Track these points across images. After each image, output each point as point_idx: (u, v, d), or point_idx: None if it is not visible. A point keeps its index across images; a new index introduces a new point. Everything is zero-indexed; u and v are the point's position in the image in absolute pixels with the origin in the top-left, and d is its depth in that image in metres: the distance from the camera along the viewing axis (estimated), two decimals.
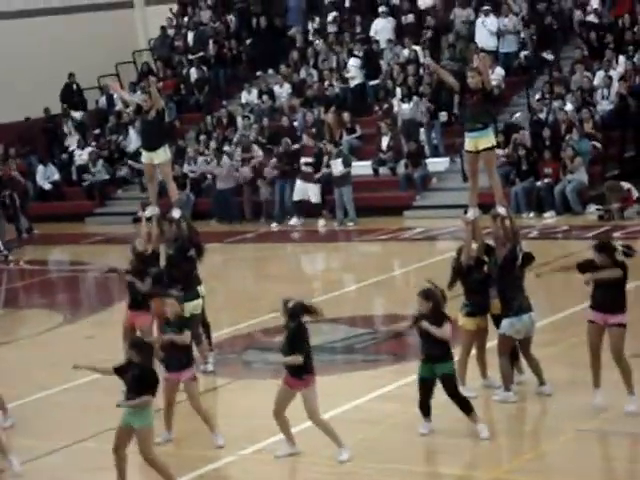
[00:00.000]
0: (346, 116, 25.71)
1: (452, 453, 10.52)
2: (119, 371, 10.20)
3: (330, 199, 24.21)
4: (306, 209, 24.43)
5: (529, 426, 11.04)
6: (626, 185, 21.69)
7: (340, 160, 23.83)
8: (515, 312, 11.46)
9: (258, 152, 25.62)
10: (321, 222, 24.14)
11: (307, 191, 24.33)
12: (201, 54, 30.54)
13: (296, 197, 24.43)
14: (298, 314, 10.50)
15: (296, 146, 25.15)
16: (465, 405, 10.75)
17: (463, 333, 11.94)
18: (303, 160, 24.57)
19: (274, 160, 25.03)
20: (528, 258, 11.75)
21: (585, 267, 11.20)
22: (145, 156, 14.22)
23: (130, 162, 27.71)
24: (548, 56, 25.55)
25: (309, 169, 24.43)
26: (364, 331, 15.09)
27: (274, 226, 24.48)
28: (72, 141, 29.49)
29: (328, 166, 24.13)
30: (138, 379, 9.89)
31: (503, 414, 11.55)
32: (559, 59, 25.87)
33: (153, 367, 10.18)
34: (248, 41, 30.26)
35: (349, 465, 10.51)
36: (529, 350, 11.61)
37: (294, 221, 24.44)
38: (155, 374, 10.11)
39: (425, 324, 10.68)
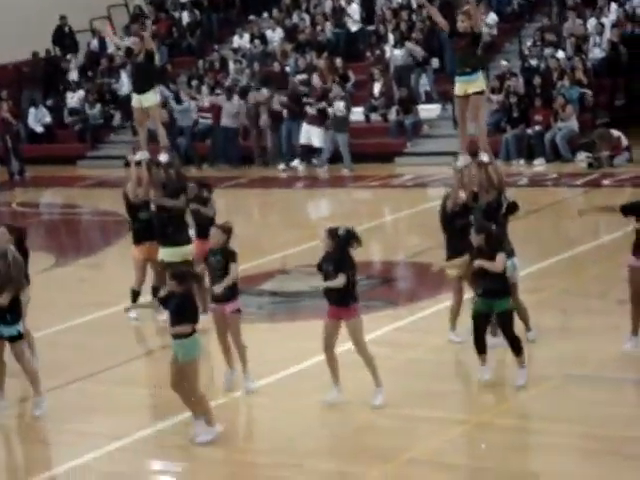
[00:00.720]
0: (338, 62, 25.67)
1: (441, 397, 10.69)
2: (163, 302, 10.22)
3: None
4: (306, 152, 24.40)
5: (511, 376, 11.21)
6: (616, 133, 21.78)
7: (343, 103, 23.80)
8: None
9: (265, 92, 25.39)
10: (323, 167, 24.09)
11: (312, 134, 24.24)
12: None
13: (302, 140, 24.36)
14: (348, 241, 10.47)
15: (303, 88, 25.06)
16: (516, 345, 10.68)
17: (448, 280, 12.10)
18: (309, 101, 24.24)
19: (283, 99, 24.80)
20: (513, 207, 11.81)
21: (629, 210, 11.22)
22: (135, 99, 14.25)
23: None
24: None
25: (315, 112, 24.29)
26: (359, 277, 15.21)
27: (281, 167, 24.43)
28: (71, 83, 29.25)
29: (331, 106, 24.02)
30: (178, 309, 9.90)
31: (491, 360, 11.73)
32: (551, 6, 25.83)
33: (193, 297, 10.17)
34: None
35: (340, 407, 10.70)
36: (516, 296, 11.75)
37: (296, 163, 24.41)
38: (195, 304, 10.11)
39: (478, 262, 10.61)
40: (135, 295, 13.78)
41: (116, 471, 9.88)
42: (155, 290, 13.55)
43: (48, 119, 28.76)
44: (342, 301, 10.42)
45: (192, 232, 13.65)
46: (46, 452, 10.50)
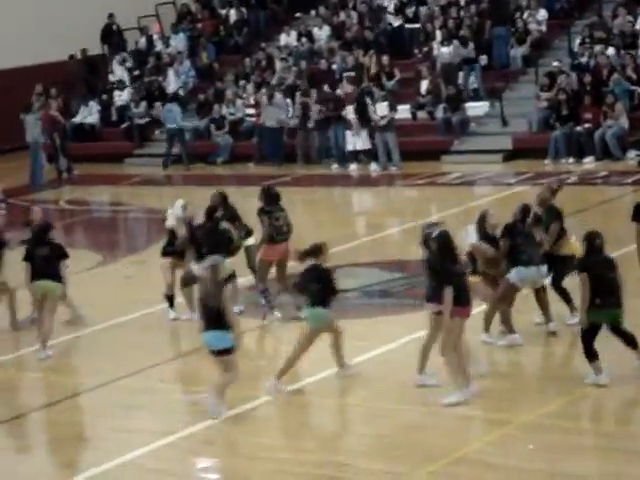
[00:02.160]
0: (385, 59, 25.56)
1: (483, 396, 10.59)
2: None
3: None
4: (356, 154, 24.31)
5: (564, 371, 11.08)
6: None
7: (385, 104, 23.67)
8: (524, 263, 11.65)
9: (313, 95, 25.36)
10: (373, 166, 23.95)
11: (356, 139, 24.16)
12: None
13: (350, 147, 24.29)
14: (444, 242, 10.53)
15: (339, 92, 24.98)
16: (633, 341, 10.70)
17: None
18: (348, 109, 24.26)
19: (317, 106, 24.77)
20: (537, 219, 12.03)
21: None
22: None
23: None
24: None
25: (353, 117, 24.19)
26: (400, 275, 15.14)
27: (335, 167, 24.39)
28: (118, 81, 29.36)
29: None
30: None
31: (537, 358, 11.63)
32: (601, 2, 25.57)
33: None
34: None
35: (385, 406, 10.64)
36: (540, 294, 11.96)
37: (352, 167, 24.29)
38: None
39: None
40: (170, 299, 13.81)
41: (162, 468, 9.89)
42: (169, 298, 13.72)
43: (96, 117, 28.91)
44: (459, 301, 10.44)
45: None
46: (93, 449, 10.52)
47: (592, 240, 10.79)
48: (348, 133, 24.16)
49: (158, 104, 27.26)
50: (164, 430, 10.62)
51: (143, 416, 11.13)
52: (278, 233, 13.27)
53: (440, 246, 10.53)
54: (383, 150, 23.68)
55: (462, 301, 10.40)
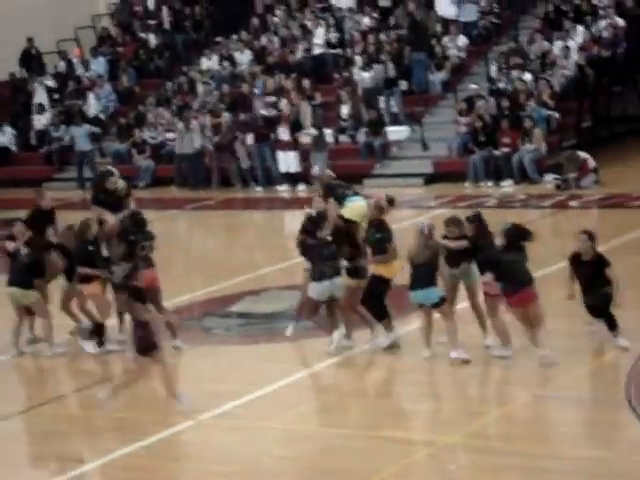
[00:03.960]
0: (306, 83, 25.69)
1: (410, 417, 10.64)
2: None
3: (307, 165, 24.00)
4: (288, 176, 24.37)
5: (484, 391, 11.18)
6: (583, 155, 21.90)
7: (309, 123, 23.87)
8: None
9: (226, 117, 25.46)
10: (300, 187, 24.05)
11: (289, 160, 24.24)
12: (162, 19, 30.35)
13: (283, 168, 24.37)
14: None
15: (273, 112, 25.04)
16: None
17: None
18: (281, 129, 24.36)
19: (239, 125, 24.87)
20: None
21: None
22: None
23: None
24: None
25: (286, 137, 24.28)
26: None
27: (259, 190, 24.38)
28: (37, 105, 29.04)
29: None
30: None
31: (458, 379, 11.71)
32: (518, 29, 26.00)
33: None
34: (206, 7, 30.13)
35: (307, 429, 10.64)
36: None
37: (282, 189, 24.33)
38: None
39: None
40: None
41: None
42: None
43: (11, 141, 28.56)
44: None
45: None
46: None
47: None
48: (280, 154, 24.22)
49: (74, 127, 27.03)
50: (84, 457, 10.48)
51: (59, 443, 10.96)
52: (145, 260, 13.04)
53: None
54: (319, 170, 23.79)
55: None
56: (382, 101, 25.15)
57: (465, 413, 10.75)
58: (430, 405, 11.04)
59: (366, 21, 27.13)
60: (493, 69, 24.79)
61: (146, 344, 10.88)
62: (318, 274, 12.28)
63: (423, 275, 11.76)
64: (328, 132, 24.93)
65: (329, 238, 12.46)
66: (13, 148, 28.67)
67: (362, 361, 12.35)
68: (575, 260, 11.56)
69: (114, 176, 13.86)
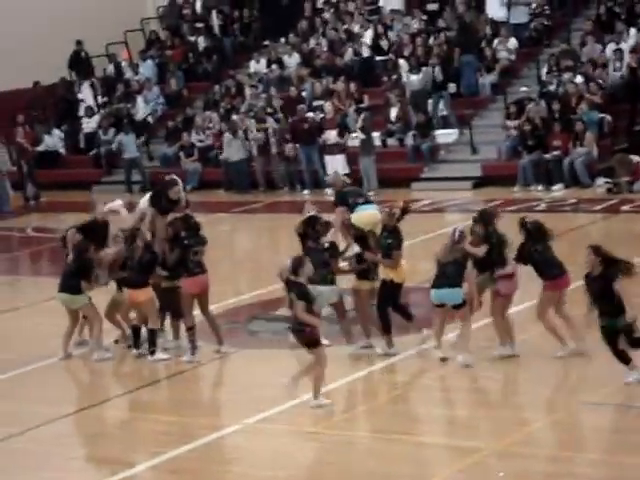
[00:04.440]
0: (354, 87, 25.60)
1: (454, 424, 10.53)
2: None
3: (355, 169, 23.91)
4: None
5: (532, 398, 11.03)
6: (635, 158, 21.62)
7: (358, 126, 23.78)
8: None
9: (272, 122, 25.44)
10: None
11: (336, 163, 24.17)
12: (211, 22, 30.43)
13: (330, 172, 24.23)
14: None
15: (321, 115, 25.00)
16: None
17: None
18: (327, 134, 24.27)
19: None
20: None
21: None
22: None
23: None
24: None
25: (333, 141, 24.21)
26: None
27: (306, 193, 24.33)
28: (86, 108, 29.22)
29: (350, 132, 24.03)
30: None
31: (506, 386, 11.57)
32: (570, 31, 25.74)
33: None
34: (255, 10, 30.17)
35: (353, 434, 10.55)
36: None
37: (330, 191, 24.15)
38: None
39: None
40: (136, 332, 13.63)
41: None
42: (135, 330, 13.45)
43: (60, 144, 28.77)
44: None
45: None
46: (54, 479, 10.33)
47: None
48: (327, 158, 24.16)
49: (122, 135, 27.14)
50: (131, 460, 10.47)
51: (110, 446, 10.98)
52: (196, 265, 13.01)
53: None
54: (364, 174, 23.74)
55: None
56: (431, 104, 25.01)
57: (512, 420, 10.61)
58: (476, 412, 10.89)
59: (414, 24, 26.99)
60: (544, 71, 24.55)
61: (312, 338, 10.91)
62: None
63: (450, 274, 11.75)
64: (376, 135, 24.82)
65: (326, 245, 12.45)
66: (62, 151, 28.85)
67: (406, 367, 12.23)
68: (586, 276, 11.13)
69: (178, 185, 13.88)
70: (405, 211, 12.67)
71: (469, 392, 11.35)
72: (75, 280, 13.38)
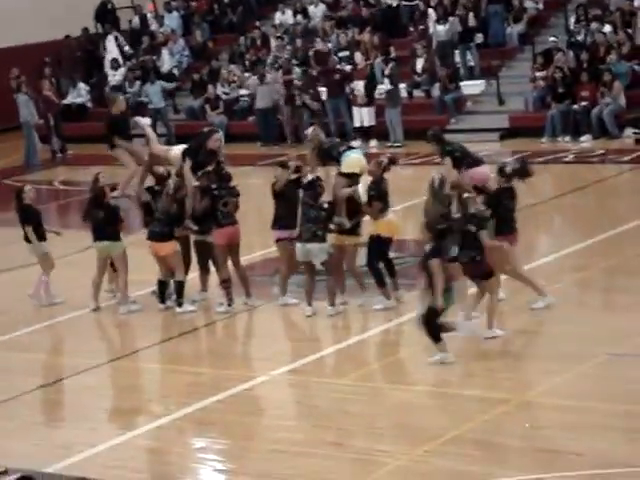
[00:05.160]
0: (380, 37, 25.40)
1: (482, 376, 10.55)
2: None
3: (381, 121, 23.82)
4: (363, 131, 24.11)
5: (561, 349, 11.04)
6: None
7: (387, 78, 23.65)
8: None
9: (298, 73, 25.30)
10: (372, 143, 23.88)
11: (363, 115, 24.08)
12: None
13: (357, 123, 24.18)
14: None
15: (347, 67, 24.85)
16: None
17: None
18: (356, 83, 24.16)
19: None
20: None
21: None
22: None
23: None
24: None
25: (361, 92, 24.10)
26: (396, 255, 15.06)
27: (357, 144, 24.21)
28: (112, 60, 29.15)
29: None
30: None
31: (533, 338, 11.57)
32: None
33: None
34: None
35: (378, 386, 10.60)
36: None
37: (357, 143, 24.06)
38: None
39: None
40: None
41: (158, 448, 9.86)
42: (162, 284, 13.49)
43: (85, 98, 28.75)
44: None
45: None
46: (89, 429, 10.45)
47: None
48: (355, 109, 24.05)
49: (148, 85, 27.09)
50: (159, 411, 10.58)
51: (138, 397, 11.09)
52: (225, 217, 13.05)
53: None
54: (390, 125, 23.63)
55: None
56: (457, 55, 24.81)
57: (540, 371, 10.63)
58: (504, 363, 10.91)
59: None
60: (572, 21, 24.27)
61: (485, 270, 11.17)
62: (298, 234, 12.48)
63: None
64: (402, 87, 24.65)
65: (325, 205, 12.47)
66: (89, 105, 28.84)
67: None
68: None
69: (218, 133, 13.86)
70: (392, 161, 12.68)
71: (495, 343, 11.35)
72: (114, 227, 13.40)
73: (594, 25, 23.47)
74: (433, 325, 10.67)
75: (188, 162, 13.31)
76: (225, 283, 13.12)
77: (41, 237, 14.19)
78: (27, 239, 14.20)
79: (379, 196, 12.40)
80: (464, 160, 12.27)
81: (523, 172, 11.82)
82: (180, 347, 12.41)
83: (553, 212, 16.85)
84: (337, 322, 12.49)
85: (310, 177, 12.66)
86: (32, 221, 14.17)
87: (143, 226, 13.88)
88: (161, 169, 13.79)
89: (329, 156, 12.86)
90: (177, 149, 13.88)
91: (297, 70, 25.28)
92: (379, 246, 12.51)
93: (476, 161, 12.34)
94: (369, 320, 12.44)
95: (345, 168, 12.61)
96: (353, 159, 12.70)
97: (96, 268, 13.62)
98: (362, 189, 12.55)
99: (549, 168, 19.99)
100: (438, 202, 11.24)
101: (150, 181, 14.04)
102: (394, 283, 12.71)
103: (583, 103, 22.28)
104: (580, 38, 23.61)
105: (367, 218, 12.67)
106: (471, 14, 24.79)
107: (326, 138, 13.63)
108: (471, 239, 11.20)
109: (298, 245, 12.48)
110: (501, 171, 11.82)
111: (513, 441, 9.23)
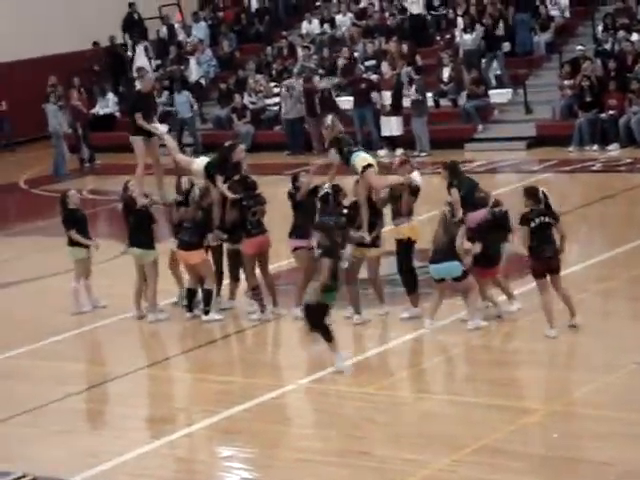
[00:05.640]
0: (407, 46, 25.41)
1: (508, 385, 10.53)
2: None
3: (409, 130, 23.81)
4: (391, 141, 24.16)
5: (588, 359, 11.00)
6: None
7: (414, 88, 23.69)
8: None
9: (320, 82, 25.38)
10: (398, 152, 23.86)
11: (391, 124, 24.11)
12: None
13: (384, 133, 24.20)
14: None
15: (374, 76, 24.90)
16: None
17: None
18: (383, 93, 24.22)
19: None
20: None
21: None
22: None
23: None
24: None
25: (388, 101, 24.13)
26: (421, 264, 15.05)
27: (382, 153, 24.23)
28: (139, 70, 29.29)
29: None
30: None
31: (561, 347, 11.54)
32: None
33: None
34: None
35: (405, 395, 10.60)
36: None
37: (383, 152, 24.07)
38: None
39: None
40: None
41: (185, 457, 9.90)
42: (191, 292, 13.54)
43: (114, 108, 28.90)
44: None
45: None
46: (116, 437, 10.50)
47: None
48: (383, 119, 24.08)
49: (175, 94, 27.23)
50: (187, 419, 10.62)
51: (166, 405, 11.14)
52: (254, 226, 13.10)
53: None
54: (416, 135, 23.61)
55: None
56: (484, 63, 24.79)
57: (567, 381, 10.59)
58: (532, 373, 10.88)
59: None
60: (599, 30, 24.21)
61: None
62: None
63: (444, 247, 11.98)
64: (428, 96, 24.64)
65: (345, 211, 12.50)
66: (117, 114, 29.00)
67: (462, 328, 12.22)
68: None
69: (241, 145, 13.96)
70: (404, 162, 12.75)
71: (522, 353, 11.33)
72: (145, 235, 13.47)
73: (621, 34, 23.40)
74: (319, 320, 11.03)
75: (219, 178, 13.33)
76: (255, 290, 13.17)
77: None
78: (71, 243, 14.24)
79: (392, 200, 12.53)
80: (467, 201, 12.28)
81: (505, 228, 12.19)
82: (209, 355, 12.46)
83: (581, 221, 16.79)
84: (362, 331, 12.49)
85: (328, 185, 12.66)
86: (77, 225, 14.21)
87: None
88: (185, 184, 13.80)
89: (339, 145, 12.82)
90: (199, 162, 13.93)
91: (324, 79, 25.24)
92: (408, 250, 12.52)
93: (476, 205, 12.33)
94: (393, 329, 12.44)
95: (361, 162, 12.58)
96: (365, 156, 12.76)
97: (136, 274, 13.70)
98: (417, 175, 12.62)
99: (577, 177, 19.93)
100: (449, 234, 11.82)
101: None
102: (415, 297, 12.70)
103: (611, 112, 22.20)
104: (607, 47, 23.54)
105: (388, 228, 12.70)
106: (500, 23, 24.77)
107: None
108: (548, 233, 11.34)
109: (317, 252, 12.44)
110: (493, 208, 12.15)
111: (541, 451, 9.20)
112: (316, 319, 11.08)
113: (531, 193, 11.55)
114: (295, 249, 12.98)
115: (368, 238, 12.41)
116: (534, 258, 11.40)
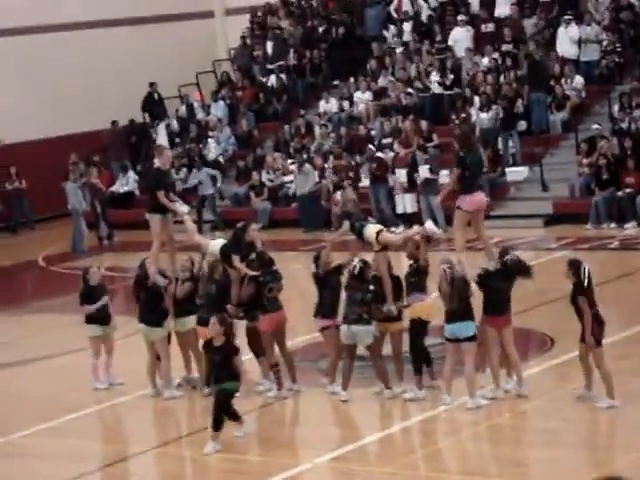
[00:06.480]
0: (423, 125, 25.61)
1: (529, 466, 10.41)
2: None
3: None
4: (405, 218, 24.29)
5: (608, 439, 10.89)
6: None
7: (427, 166, 23.79)
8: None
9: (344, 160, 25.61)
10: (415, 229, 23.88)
11: (405, 202, 24.23)
12: (281, 63, 30.68)
13: (399, 210, 24.34)
14: None
15: (390, 154, 25.06)
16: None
17: None
18: (398, 171, 24.38)
19: (365, 167, 25.01)
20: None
21: None
22: None
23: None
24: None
25: (403, 179, 24.29)
26: (437, 341, 15.00)
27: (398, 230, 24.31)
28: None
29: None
30: None
31: (579, 426, 11.42)
32: None
33: None
34: (324, 50, 30.35)
35: (422, 475, 10.48)
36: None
37: (398, 230, 24.08)
38: None
39: None
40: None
41: None
42: None
43: (133, 186, 29.14)
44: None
45: None
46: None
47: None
48: (397, 196, 24.18)
49: (196, 172, 27.44)
50: None
51: None
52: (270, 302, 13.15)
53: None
54: (427, 213, 23.66)
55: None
56: (501, 142, 24.92)
57: (588, 461, 10.46)
58: (551, 453, 10.76)
59: (485, 62, 26.96)
60: (615, 109, 24.36)
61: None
62: (343, 317, 12.53)
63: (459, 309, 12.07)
64: (445, 173, 24.73)
65: (372, 287, 12.54)
66: (137, 192, 29.21)
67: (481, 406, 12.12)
68: None
69: (254, 225, 14.08)
70: (428, 240, 12.90)
71: (541, 432, 11.21)
72: (154, 312, 13.49)
73: (637, 112, 23.53)
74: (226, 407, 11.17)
75: (235, 257, 13.40)
76: (274, 367, 13.14)
77: (105, 318, 14.24)
78: (87, 320, 14.24)
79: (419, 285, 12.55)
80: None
81: (524, 272, 12.32)
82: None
83: (598, 299, 16.69)
84: (380, 409, 12.40)
85: (357, 260, 12.71)
86: (93, 302, 14.23)
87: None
88: (187, 262, 13.92)
89: (349, 218, 13.13)
90: (214, 244, 14.02)
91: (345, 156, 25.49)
92: (421, 330, 12.49)
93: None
94: (411, 407, 12.34)
95: (372, 230, 12.81)
96: (375, 225, 13.11)
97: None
98: (431, 224, 12.89)
99: (594, 255, 19.89)
100: (458, 293, 12.01)
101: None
102: (430, 372, 12.65)
103: (628, 190, 22.24)
104: (624, 125, 23.66)
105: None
106: (518, 102, 24.97)
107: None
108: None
109: (343, 327, 12.50)
110: (501, 255, 12.18)
111: None
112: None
113: (574, 266, 11.73)
114: (323, 329, 12.98)
115: (395, 311, 12.41)
116: (598, 323, 11.66)
